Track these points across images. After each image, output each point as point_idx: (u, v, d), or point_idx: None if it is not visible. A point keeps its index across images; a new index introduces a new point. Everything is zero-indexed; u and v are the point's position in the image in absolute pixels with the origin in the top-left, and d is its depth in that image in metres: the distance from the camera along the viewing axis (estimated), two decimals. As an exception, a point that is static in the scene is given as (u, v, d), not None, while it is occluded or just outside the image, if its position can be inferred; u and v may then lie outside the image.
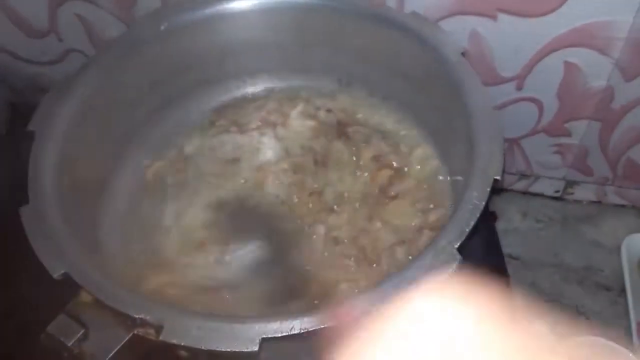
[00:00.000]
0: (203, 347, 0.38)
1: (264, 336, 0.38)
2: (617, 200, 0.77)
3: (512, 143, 0.73)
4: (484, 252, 0.66)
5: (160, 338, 0.39)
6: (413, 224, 0.55)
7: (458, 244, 0.41)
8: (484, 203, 0.43)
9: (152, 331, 0.40)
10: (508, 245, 0.74)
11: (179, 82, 0.63)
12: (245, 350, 0.38)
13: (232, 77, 0.66)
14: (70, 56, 0.78)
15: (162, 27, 0.59)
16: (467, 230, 0.42)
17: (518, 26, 0.59)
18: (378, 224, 0.55)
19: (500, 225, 0.76)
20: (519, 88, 0.66)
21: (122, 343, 0.41)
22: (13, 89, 0.84)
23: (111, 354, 0.41)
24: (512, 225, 0.77)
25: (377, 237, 0.54)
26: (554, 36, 0.59)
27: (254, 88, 0.66)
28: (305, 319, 0.39)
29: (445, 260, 0.41)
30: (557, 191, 0.78)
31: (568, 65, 0.62)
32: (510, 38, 0.61)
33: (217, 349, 0.38)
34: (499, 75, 0.65)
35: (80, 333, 0.42)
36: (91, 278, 0.42)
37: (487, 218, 0.71)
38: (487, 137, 0.47)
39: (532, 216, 0.77)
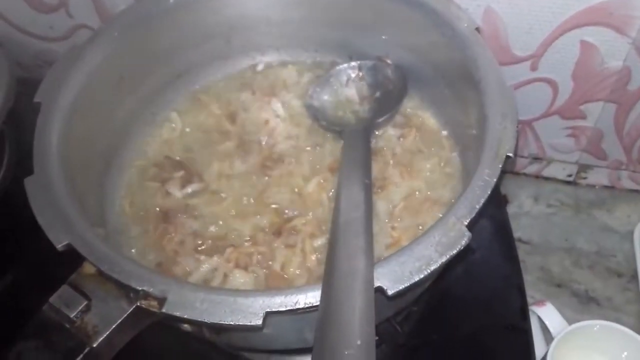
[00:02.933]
0: (206, 321, 0.38)
1: (268, 310, 0.37)
2: (631, 185, 0.76)
3: (525, 125, 0.72)
4: (493, 236, 0.65)
5: (163, 310, 0.38)
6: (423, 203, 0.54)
7: (468, 220, 0.40)
8: (495, 180, 0.42)
9: (155, 303, 0.39)
10: (519, 229, 0.73)
11: (187, 57, 0.62)
12: (249, 324, 0.37)
13: (240, 52, 0.65)
14: (78, 32, 0.78)
15: (171, 0, 0.58)
16: (478, 207, 0.41)
17: (533, 3, 0.58)
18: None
19: (511, 209, 0.75)
20: (534, 68, 0.64)
21: (125, 315, 0.41)
22: (21, 64, 0.84)
23: (114, 326, 0.41)
24: (523, 209, 0.76)
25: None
26: (570, 14, 0.58)
27: (262, 65, 0.65)
28: (310, 294, 0.38)
29: (455, 237, 0.40)
30: (570, 175, 0.77)
31: (584, 45, 0.60)
32: (525, 16, 0.59)
33: (221, 323, 0.38)
34: (513, 55, 0.63)
35: (83, 305, 0.42)
36: (94, 250, 0.42)
37: (498, 201, 0.70)
38: (500, 113, 0.45)
39: (544, 200, 0.76)
